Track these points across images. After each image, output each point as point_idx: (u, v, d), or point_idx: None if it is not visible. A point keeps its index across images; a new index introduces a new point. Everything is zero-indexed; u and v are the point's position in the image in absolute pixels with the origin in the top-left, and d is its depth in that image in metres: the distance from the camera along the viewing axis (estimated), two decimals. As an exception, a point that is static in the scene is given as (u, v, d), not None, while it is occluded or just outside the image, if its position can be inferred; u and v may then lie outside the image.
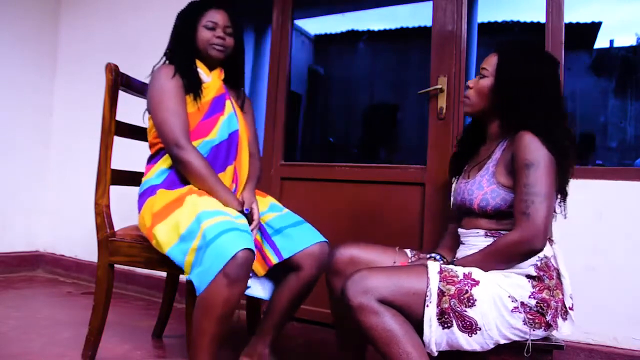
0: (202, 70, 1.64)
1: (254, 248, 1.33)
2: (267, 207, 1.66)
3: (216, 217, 1.34)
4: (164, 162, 1.60)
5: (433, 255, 1.41)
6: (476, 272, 1.16)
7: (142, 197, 1.57)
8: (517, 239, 1.14)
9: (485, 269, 1.18)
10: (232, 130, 1.63)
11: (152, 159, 1.65)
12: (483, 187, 1.26)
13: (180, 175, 1.55)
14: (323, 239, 1.59)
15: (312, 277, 1.55)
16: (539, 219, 1.12)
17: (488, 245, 1.21)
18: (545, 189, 1.13)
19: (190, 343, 1.36)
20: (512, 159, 1.21)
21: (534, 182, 1.13)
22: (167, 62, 1.67)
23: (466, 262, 1.21)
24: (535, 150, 1.15)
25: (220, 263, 1.26)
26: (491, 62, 1.31)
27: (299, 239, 1.55)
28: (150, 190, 1.56)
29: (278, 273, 1.61)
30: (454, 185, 1.41)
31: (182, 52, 1.63)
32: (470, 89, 1.35)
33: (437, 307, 1.12)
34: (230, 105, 1.66)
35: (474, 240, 1.29)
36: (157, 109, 1.54)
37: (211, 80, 1.64)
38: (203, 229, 1.32)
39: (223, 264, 1.26)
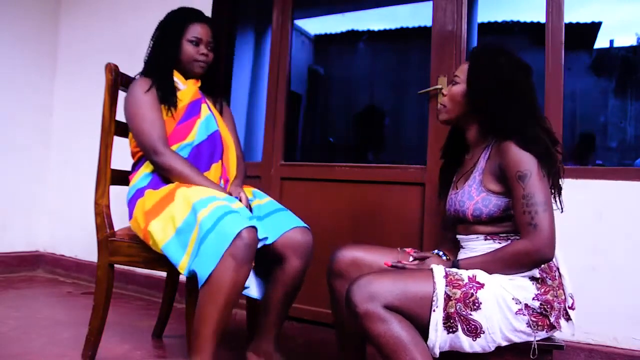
0: (178, 79, 1.67)
1: (257, 226, 1.33)
2: (251, 196, 1.68)
3: (210, 205, 1.34)
4: (147, 168, 1.61)
5: (436, 251, 1.41)
6: (481, 275, 1.16)
7: (132, 202, 1.59)
8: (528, 249, 1.13)
9: (491, 273, 1.18)
10: (211, 131, 1.65)
11: (135, 167, 1.66)
12: (473, 196, 1.26)
13: (164, 177, 1.57)
14: (303, 224, 1.59)
15: (298, 268, 1.55)
16: (546, 229, 1.12)
17: (496, 250, 1.20)
18: (544, 196, 1.14)
19: (191, 337, 1.35)
20: (500, 169, 1.21)
21: (532, 193, 1.14)
22: (144, 73, 1.68)
23: (471, 263, 1.21)
24: (523, 160, 1.15)
25: (224, 245, 1.26)
26: (463, 69, 1.32)
27: (280, 223, 1.56)
28: (138, 193, 1.58)
29: (266, 271, 1.61)
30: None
31: (163, 65, 1.65)
32: (445, 97, 1.36)
33: (444, 311, 1.12)
34: (206, 108, 1.68)
35: (474, 244, 1.29)
36: (133, 120, 1.57)
37: (186, 87, 1.66)
38: (199, 221, 1.32)
39: (227, 246, 1.26)
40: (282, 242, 1.53)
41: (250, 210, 1.56)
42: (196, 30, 1.65)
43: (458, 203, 1.30)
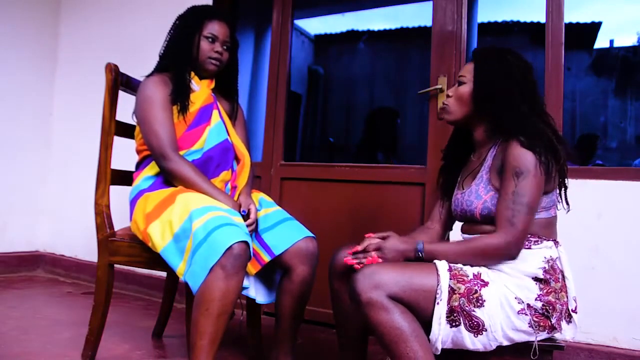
0: (192, 79, 1.63)
1: (250, 241, 1.33)
2: (257, 205, 1.65)
3: (206, 215, 1.33)
4: (150, 170, 1.60)
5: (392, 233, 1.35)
6: (485, 273, 1.17)
7: (133, 203, 1.58)
8: (501, 244, 1.16)
9: (458, 262, 1.19)
10: (221, 140, 1.62)
11: (140, 166, 1.65)
12: (481, 196, 1.26)
13: (167, 181, 1.56)
14: (310, 234, 1.58)
15: (305, 276, 1.54)
16: (522, 230, 1.15)
17: (467, 240, 1.23)
18: (532, 201, 1.15)
19: (188, 350, 1.34)
20: (502, 165, 1.22)
21: (522, 192, 1.15)
22: (157, 69, 1.64)
23: (438, 249, 1.22)
24: (523, 159, 1.16)
25: (215, 257, 1.26)
26: (468, 69, 1.32)
27: (288, 235, 1.54)
28: (139, 195, 1.57)
29: (269, 275, 1.61)
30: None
31: (180, 59, 1.60)
32: (450, 97, 1.35)
33: (447, 304, 1.12)
34: (217, 115, 1.64)
35: None
36: (143, 120, 1.54)
37: (199, 89, 1.63)
38: (194, 230, 1.32)
39: (218, 257, 1.25)
40: (291, 252, 1.53)
41: (256, 225, 1.55)
42: (213, 28, 1.61)
43: (465, 203, 1.30)
